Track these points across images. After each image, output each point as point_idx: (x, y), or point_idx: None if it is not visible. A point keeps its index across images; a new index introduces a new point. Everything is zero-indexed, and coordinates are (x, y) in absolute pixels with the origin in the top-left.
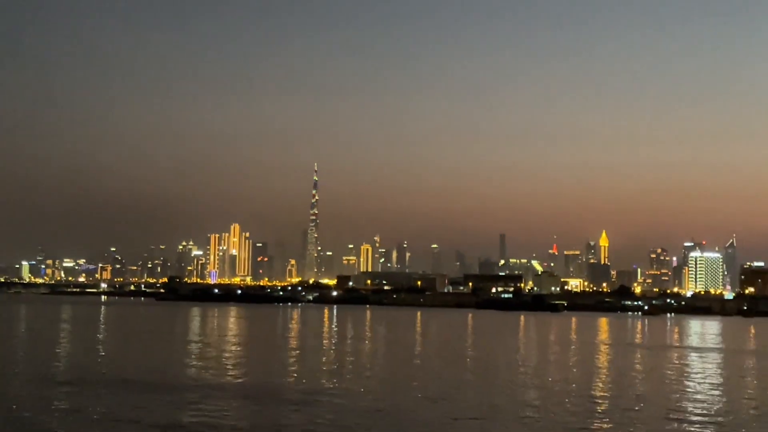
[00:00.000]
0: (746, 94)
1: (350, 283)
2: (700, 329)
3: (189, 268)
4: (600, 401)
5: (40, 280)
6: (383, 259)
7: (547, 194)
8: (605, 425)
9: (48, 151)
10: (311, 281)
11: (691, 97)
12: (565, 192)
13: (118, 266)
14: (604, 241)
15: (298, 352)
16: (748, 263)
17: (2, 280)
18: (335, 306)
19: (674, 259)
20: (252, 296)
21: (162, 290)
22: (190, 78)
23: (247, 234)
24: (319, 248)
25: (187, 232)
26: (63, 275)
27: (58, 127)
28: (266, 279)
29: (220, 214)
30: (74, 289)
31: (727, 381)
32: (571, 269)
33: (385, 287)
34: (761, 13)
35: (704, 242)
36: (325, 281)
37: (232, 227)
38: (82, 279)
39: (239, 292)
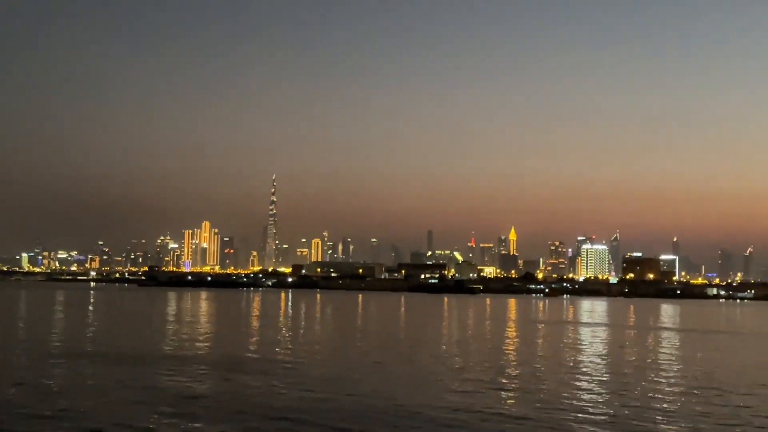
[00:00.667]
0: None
1: (303, 271)
2: (590, 308)
3: (166, 258)
4: (509, 363)
5: (37, 269)
6: (331, 251)
7: (467, 197)
8: (514, 381)
9: (47, 159)
10: (270, 269)
11: (577, 114)
12: (481, 195)
13: (105, 257)
14: (513, 236)
15: (258, 328)
16: (629, 254)
17: (5, 269)
18: (290, 290)
19: (569, 250)
20: (220, 282)
21: (143, 277)
22: (169, 98)
23: (216, 230)
24: (277, 242)
25: (165, 228)
26: (58, 265)
27: (56, 139)
28: (232, 268)
29: (194, 213)
30: (67, 277)
31: (610, 349)
32: (486, 259)
33: (332, 274)
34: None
35: (594, 237)
36: (282, 269)
37: (203, 224)
38: (74, 268)
39: (209, 278)
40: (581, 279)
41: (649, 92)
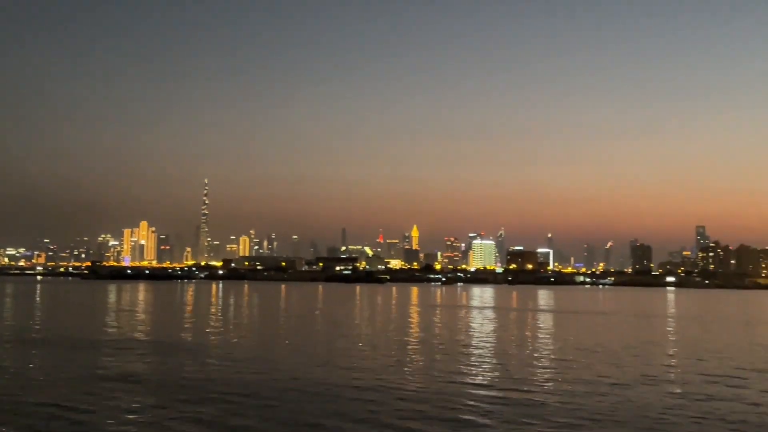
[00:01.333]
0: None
1: (232, 265)
2: (480, 294)
3: (107, 254)
4: (412, 342)
5: None
6: (257, 247)
7: (376, 199)
8: (416, 356)
9: None
10: (203, 263)
11: (471, 129)
12: (388, 198)
13: (50, 254)
14: (415, 233)
15: (191, 315)
16: (512, 247)
17: None
18: (221, 282)
19: (463, 245)
20: (157, 275)
21: (86, 272)
22: (111, 108)
23: (153, 228)
24: (209, 239)
25: (106, 227)
26: (6, 260)
27: (4, 144)
28: (168, 262)
29: (133, 213)
30: (15, 272)
31: (497, 327)
32: (392, 252)
33: (258, 267)
34: None
35: (483, 233)
36: (213, 263)
37: (141, 223)
38: (22, 263)
39: (147, 272)
40: (473, 269)
41: (524, 108)
